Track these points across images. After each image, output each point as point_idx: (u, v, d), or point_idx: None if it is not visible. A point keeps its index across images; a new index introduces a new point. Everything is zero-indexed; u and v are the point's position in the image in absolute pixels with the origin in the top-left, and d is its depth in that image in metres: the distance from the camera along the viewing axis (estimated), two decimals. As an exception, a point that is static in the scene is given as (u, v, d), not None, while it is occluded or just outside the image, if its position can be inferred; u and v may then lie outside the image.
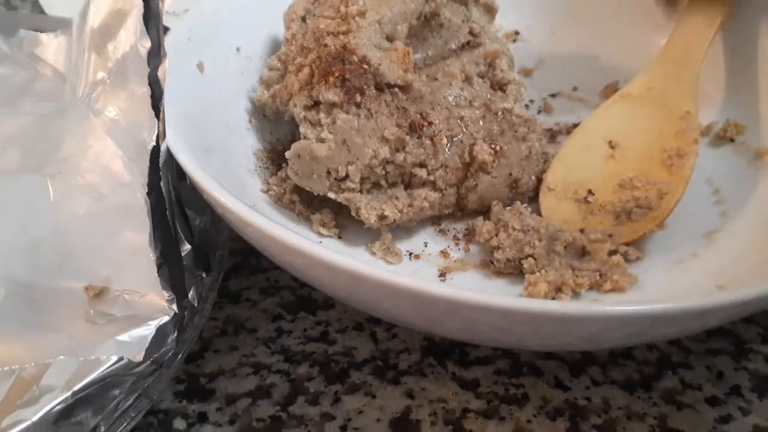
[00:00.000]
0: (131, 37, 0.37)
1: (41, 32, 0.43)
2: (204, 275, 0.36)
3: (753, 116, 0.47)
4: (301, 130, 0.40)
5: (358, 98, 0.38)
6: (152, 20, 0.35)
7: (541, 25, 0.57)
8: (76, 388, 0.29)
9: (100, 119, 0.35)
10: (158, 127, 0.32)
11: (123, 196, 0.33)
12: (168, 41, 0.40)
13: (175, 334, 0.32)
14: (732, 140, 0.47)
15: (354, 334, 0.40)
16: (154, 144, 0.32)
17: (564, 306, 0.30)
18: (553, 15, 0.56)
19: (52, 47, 0.40)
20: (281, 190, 0.43)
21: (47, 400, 0.29)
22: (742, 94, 0.48)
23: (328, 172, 0.38)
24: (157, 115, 0.33)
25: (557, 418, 0.36)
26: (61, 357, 0.30)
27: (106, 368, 0.30)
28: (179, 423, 0.36)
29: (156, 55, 0.35)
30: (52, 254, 0.33)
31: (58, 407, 0.29)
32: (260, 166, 0.45)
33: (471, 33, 0.45)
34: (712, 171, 0.45)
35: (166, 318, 0.32)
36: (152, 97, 0.33)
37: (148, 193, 0.31)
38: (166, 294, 0.32)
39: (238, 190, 0.38)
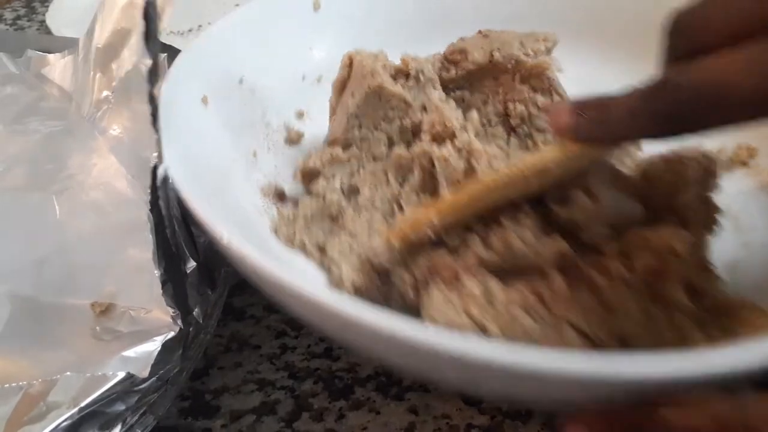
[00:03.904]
0: (133, 55, 0.37)
1: (48, 53, 0.44)
2: (209, 292, 0.36)
3: (764, 137, 0.44)
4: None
5: (546, 294, 0.31)
6: (152, 39, 0.36)
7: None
8: (82, 404, 0.29)
9: (105, 137, 0.36)
10: (158, 146, 0.32)
11: (127, 213, 0.33)
12: (171, 74, 0.39)
13: (181, 351, 0.32)
14: (745, 164, 0.45)
15: (358, 350, 0.40)
16: (155, 162, 0.32)
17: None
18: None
19: (59, 67, 0.41)
20: (290, 231, 0.40)
21: (54, 417, 0.29)
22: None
23: None
24: (157, 131, 0.33)
25: (561, 433, 0.36)
26: (68, 373, 0.30)
27: (113, 384, 0.30)
28: (184, 440, 0.36)
29: (155, 73, 0.35)
30: (57, 271, 0.33)
31: (65, 423, 0.29)
32: (267, 203, 0.42)
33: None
34: (728, 198, 0.41)
35: (172, 334, 0.32)
36: (152, 114, 0.34)
37: (150, 210, 0.32)
38: (171, 310, 0.32)
39: (247, 230, 0.37)
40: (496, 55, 0.43)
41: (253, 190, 0.42)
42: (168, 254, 0.32)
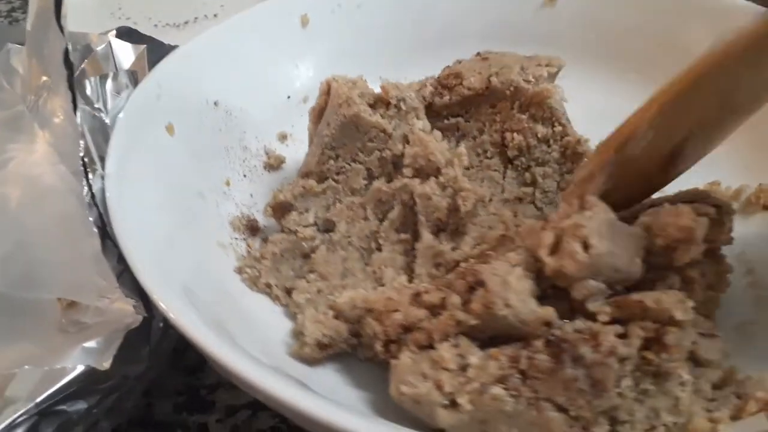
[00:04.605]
0: (57, 38, 0.34)
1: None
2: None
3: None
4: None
5: (526, 365, 0.28)
6: (60, 18, 0.33)
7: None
8: (38, 399, 0.28)
9: (48, 127, 0.34)
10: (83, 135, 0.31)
11: (73, 206, 0.32)
12: (135, 101, 0.37)
13: (148, 348, 0.31)
14: (766, 208, 0.39)
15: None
16: (83, 154, 0.31)
17: None
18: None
19: (21, 57, 0.39)
20: (255, 273, 0.37)
21: (10, 412, 0.28)
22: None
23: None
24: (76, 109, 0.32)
25: None
26: (26, 367, 0.29)
27: (71, 379, 0.29)
28: (179, 435, 0.36)
29: (68, 57, 0.33)
30: (20, 267, 0.32)
31: (21, 419, 0.28)
32: (236, 238, 0.39)
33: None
34: (744, 245, 0.36)
35: (135, 323, 0.31)
36: (72, 102, 0.32)
37: (90, 203, 0.31)
38: (132, 299, 0.31)
39: (204, 273, 0.34)
40: (494, 80, 0.40)
41: (221, 224, 0.39)
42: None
